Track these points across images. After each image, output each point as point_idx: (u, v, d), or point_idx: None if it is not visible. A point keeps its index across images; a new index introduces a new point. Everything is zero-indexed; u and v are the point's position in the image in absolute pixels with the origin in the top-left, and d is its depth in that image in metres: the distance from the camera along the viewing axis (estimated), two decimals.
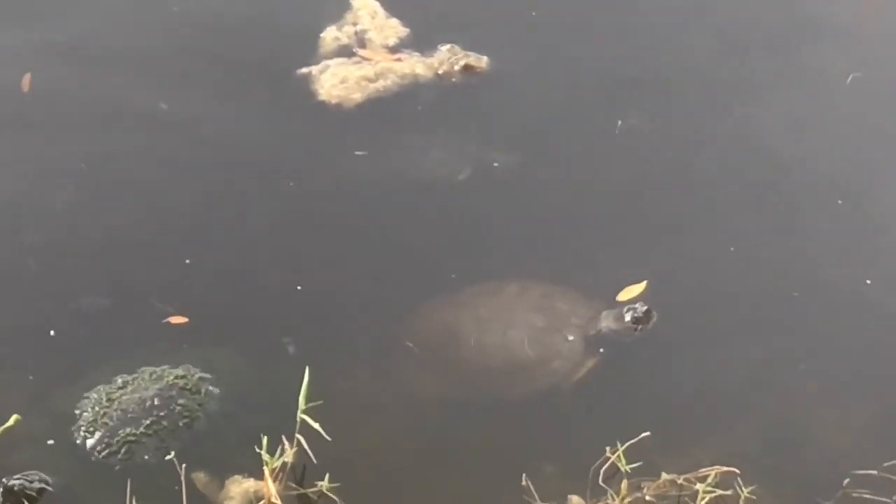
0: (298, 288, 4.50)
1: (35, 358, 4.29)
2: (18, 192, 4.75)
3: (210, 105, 5.05)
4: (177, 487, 3.90)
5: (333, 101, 5.08)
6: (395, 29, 5.36)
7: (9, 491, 3.92)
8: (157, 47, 5.24)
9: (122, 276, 4.51)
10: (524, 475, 4.02)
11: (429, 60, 5.25)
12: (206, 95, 5.08)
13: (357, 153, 4.94)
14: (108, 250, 4.60)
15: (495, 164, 4.92)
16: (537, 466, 4.08)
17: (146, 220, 4.69)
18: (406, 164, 4.92)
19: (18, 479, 3.94)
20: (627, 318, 4.44)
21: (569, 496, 4.01)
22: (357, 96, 5.09)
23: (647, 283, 4.51)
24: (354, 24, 5.35)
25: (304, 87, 5.13)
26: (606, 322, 4.47)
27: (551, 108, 5.14)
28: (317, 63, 5.21)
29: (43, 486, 3.96)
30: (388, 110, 5.11)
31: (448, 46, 5.27)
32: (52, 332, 4.34)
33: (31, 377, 4.25)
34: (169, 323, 4.34)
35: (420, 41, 5.33)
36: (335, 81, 5.12)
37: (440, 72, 5.20)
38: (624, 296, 4.50)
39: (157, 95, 5.06)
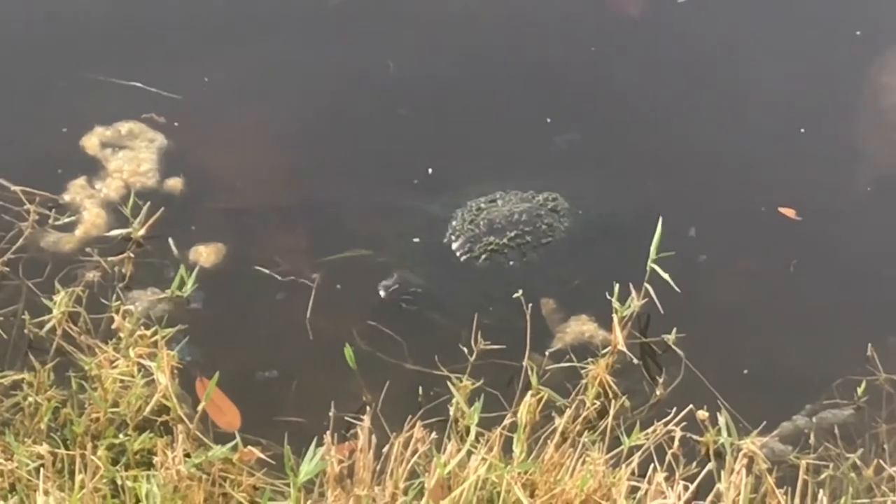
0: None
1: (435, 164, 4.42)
2: None
3: None
4: (522, 302, 3.88)
5: None
6: None
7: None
8: None
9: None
10: (869, 345, 3.96)
11: None
12: None
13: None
14: None
15: None
16: (882, 335, 4.01)
17: None
18: None
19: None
20: None
21: None
22: None
23: None
24: None
25: None
26: None
27: None
28: None
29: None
30: None
31: None
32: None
33: (415, 181, 4.38)
34: (780, 214, 4.35)
35: None
36: None
37: None
38: None
39: None
